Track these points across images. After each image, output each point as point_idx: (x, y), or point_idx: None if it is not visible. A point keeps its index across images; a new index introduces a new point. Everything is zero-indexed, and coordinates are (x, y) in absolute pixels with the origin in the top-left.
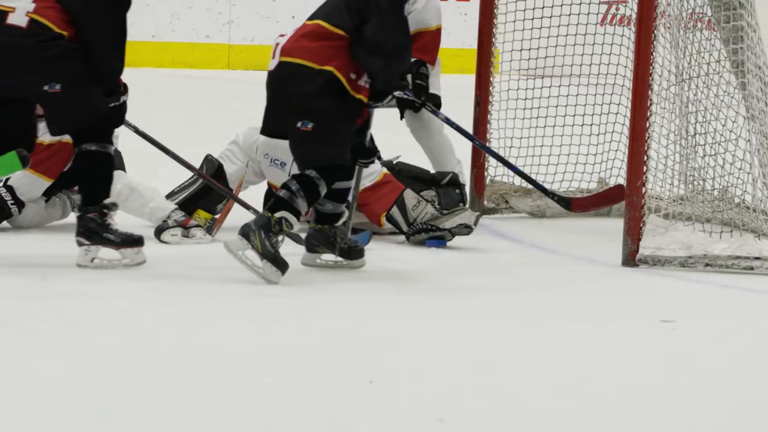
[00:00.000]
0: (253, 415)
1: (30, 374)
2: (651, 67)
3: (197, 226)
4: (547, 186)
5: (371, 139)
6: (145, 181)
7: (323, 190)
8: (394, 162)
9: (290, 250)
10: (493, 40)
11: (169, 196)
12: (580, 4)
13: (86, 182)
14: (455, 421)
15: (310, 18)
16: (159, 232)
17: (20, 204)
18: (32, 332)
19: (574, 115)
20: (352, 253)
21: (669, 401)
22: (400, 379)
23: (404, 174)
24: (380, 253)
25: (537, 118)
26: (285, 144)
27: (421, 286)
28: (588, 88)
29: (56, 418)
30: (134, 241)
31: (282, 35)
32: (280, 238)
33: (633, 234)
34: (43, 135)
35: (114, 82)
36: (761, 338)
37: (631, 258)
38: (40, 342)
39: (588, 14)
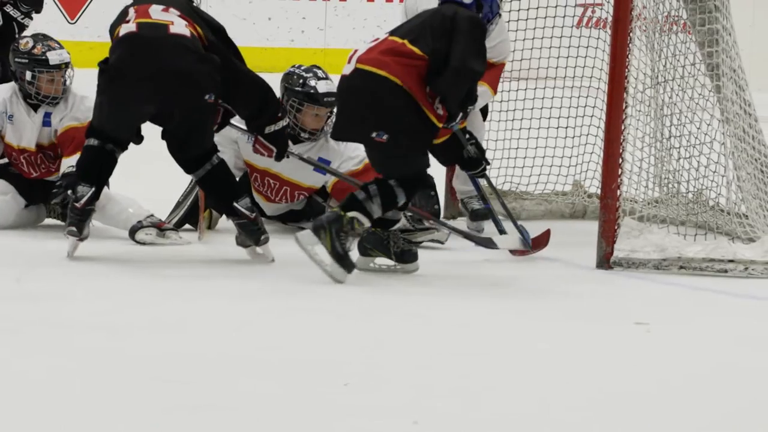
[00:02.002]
0: (230, 417)
1: (11, 375)
2: (626, 70)
3: (172, 229)
4: (522, 188)
5: (478, 148)
6: (122, 192)
7: (401, 200)
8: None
9: (280, 251)
10: None
11: (175, 208)
12: (556, 6)
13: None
14: (429, 423)
15: (392, 33)
16: (133, 232)
17: None
18: (12, 332)
19: (549, 118)
20: (406, 257)
21: (643, 404)
22: (375, 381)
23: None
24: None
25: (513, 120)
26: None
27: (396, 288)
28: (564, 90)
29: (37, 419)
30: None
31: (364, 44)
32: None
33: (608, 236)
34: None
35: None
36: (735, 341)
37: (605, 260)
38: (21, 343)
39: (564, 17)
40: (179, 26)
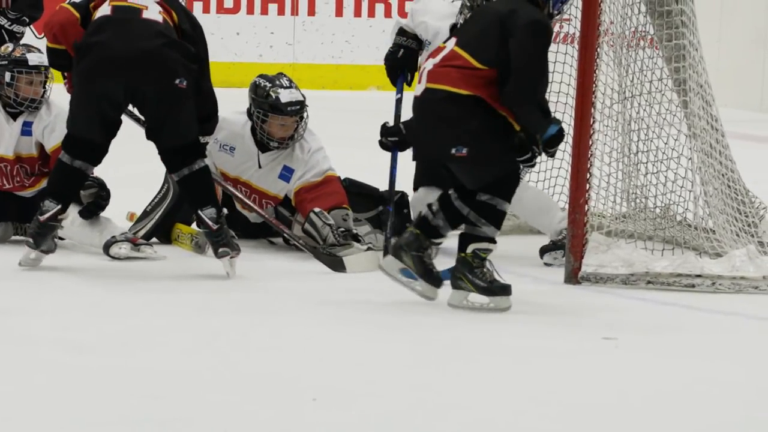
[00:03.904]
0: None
1: None
2: (594, 85)
3: (146, 244)
4: None
5: (527, 134)
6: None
7: (505, 206)
8: (342, 179)
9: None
10: None
11: (143, 216)
12: None
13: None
14: None
15: (457, 42)
16: (107, 247)
17: None
18: None
19: None
20: (493, 290)
21: (611, 418)
22: (343, 397)
23: (353, 191)
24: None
25: None
26: (235, 129)
27: (365, 304)
28: None
29: None
30: None
31: (430, 57)
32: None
33: (575, 251)
34: None
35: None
36: (703, 356)
37: (573, 275)
38: None
39: None
40: (152, 12)
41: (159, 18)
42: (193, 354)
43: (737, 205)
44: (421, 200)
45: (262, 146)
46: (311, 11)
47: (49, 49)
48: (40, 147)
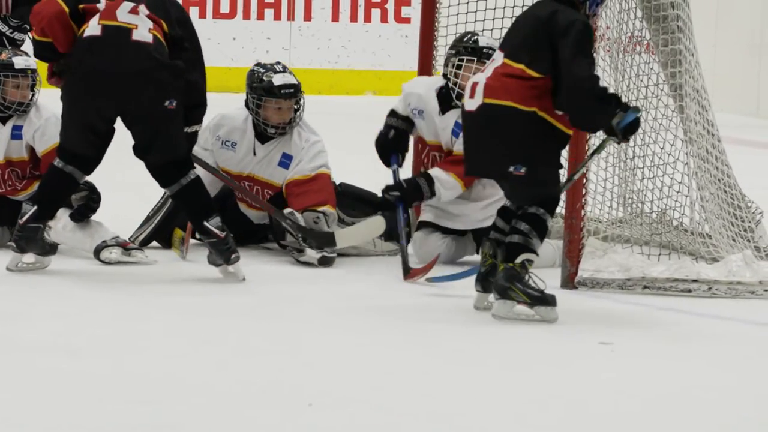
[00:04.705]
0: None
1: None
2: None
3: (137, 248)
4: None
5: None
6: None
7: (550, 221)
8: (338, 184)
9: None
10: (434, 62)
11: (145, 221)
12: None
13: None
14: None
15: (506, 55)
16: (98, 251)
17: None
18: None
19: None
20: (545, 299)
21: (608, 424)
22: (339, 401)
23: (349, 195)
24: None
25: None
26: (236, 124)
27: (362, 309)
28: None
29: None
30: None
31: (480, 71)
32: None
33: (572, 256)
34: None
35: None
36: (699, 361)
37: (570, 280)
38: None
39: None
40: (143, 31)
41: (149, 37)
42: (187, 359)
43: (733, 210)
44: (420, 242)
45: (262, 137)
46: (307, 16)
47: (35, 41)
48: (31, 150)
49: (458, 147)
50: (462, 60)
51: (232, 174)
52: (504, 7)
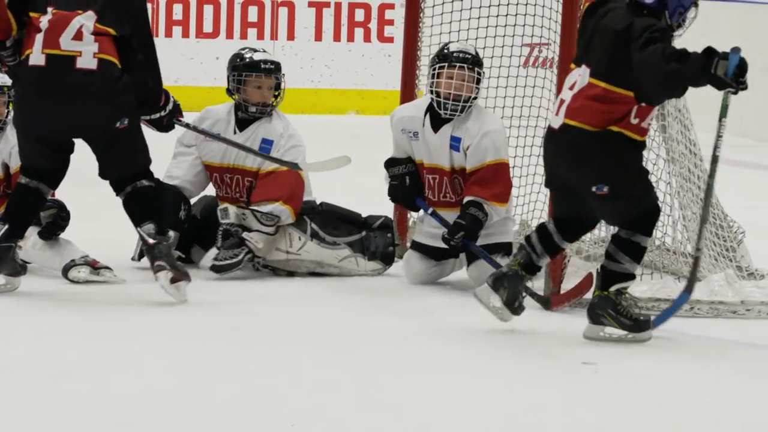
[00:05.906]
0: None
1: None
2: None
3: (107, 267)
4: None
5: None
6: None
7: (647, 241)
8: (318, 203)
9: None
10: (417, 81)
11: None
12: (503, 46)
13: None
14: None
15: (589, 63)
16: (66, 270)
17: None
18: None
19: None
20: (639, 326)
21: None
22: (322, 422)
23: (331, 215)
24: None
25: None
26: (219, 116)
27: (343, 327)
28: (510, 129)
29: None
30: None
31: (570, 88)
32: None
33: (555, 276)
34: None
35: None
36: (681, 381)
37: (552, 300)
38: None
39: (510, 56)
40: (87, 57)
41: (93, 64)
42: (170, 379)
43: (715, 230)
44: (408, 262)
45: (241, 124)
46: (290, 36)
47: None
48: (6, 169)
49: (463, 162)
50: (435, 69)
51: (215, 167)
52: (487, 27)
